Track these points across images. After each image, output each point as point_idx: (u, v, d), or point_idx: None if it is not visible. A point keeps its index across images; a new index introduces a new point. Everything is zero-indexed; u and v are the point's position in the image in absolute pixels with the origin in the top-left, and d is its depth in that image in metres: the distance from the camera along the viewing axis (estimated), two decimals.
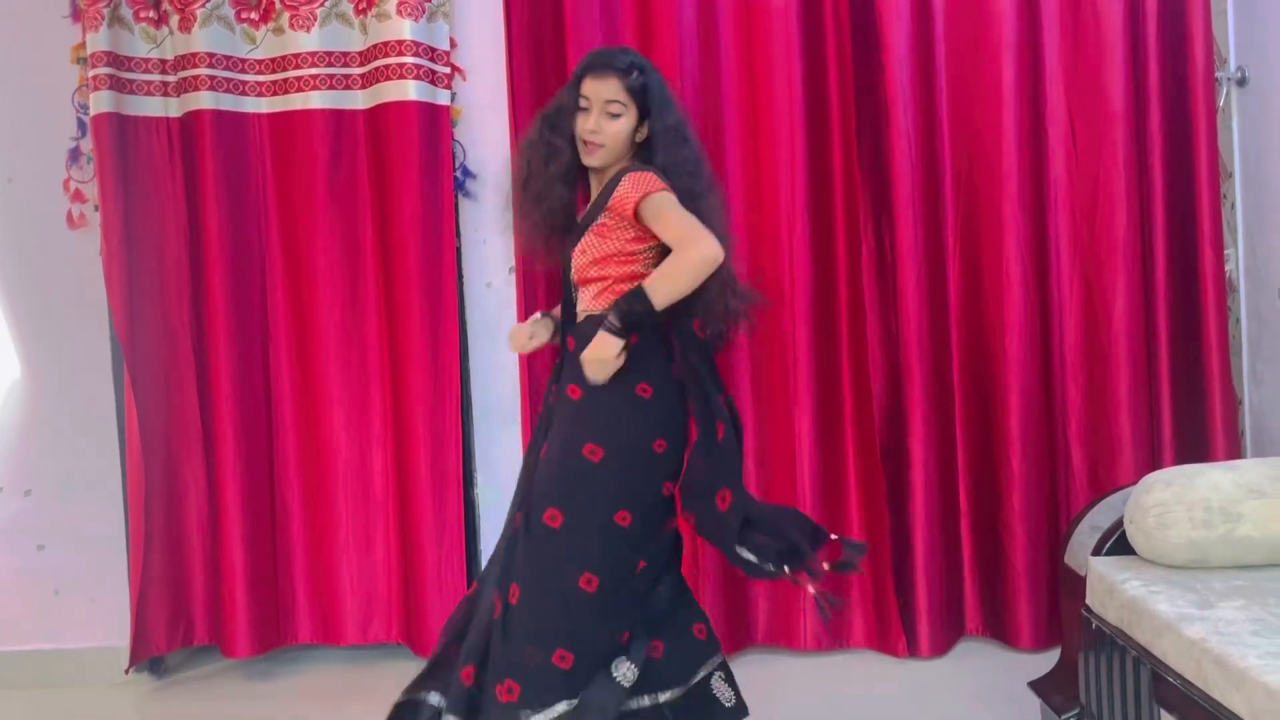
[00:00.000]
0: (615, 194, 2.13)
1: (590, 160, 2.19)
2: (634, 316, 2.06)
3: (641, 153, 2.22)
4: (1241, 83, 2.92)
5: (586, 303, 2.20)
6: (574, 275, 2.21)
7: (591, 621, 2.08)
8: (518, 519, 2.17)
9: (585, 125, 2.16)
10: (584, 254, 2.19)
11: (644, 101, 2.18)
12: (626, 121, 2.18)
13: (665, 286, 2.06)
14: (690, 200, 2.14)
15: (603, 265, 2.17)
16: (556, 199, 2.23)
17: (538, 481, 2.16)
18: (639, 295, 2.07)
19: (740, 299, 2.24)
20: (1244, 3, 2.91)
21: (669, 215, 2.10)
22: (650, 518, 2.13)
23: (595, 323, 2.12)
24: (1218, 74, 2.91)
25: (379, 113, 2.95)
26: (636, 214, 2.10)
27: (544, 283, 2.98)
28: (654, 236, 2.14)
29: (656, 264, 2.14)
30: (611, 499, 2.09)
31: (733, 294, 2.20)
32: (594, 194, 2.25)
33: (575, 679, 2.06)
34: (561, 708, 2.05)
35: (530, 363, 2.98)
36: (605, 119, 2.16)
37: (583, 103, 2.17)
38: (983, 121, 2.93)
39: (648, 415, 2.13)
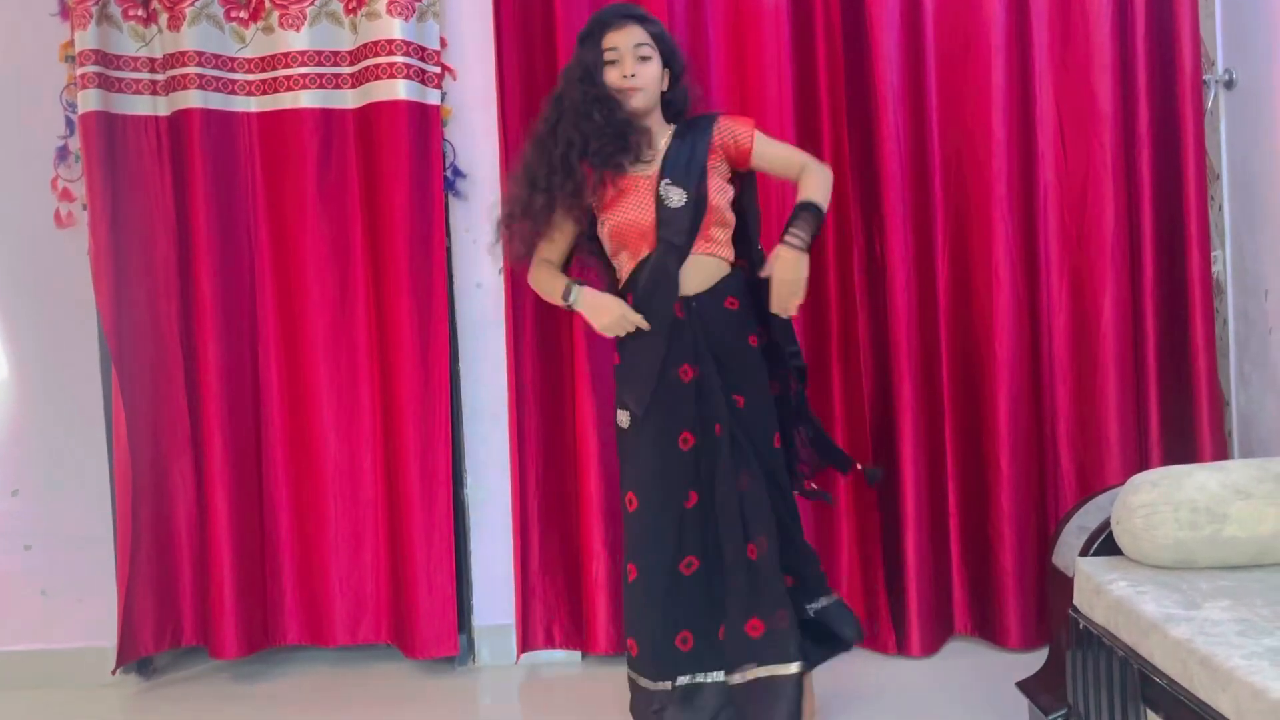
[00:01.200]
0: (720, 133, 2.37)
1: (635, 101, 2.32)
2: (815, 224, 2.29)
3: (666, 99, 2.41)
4: (1229, 85, 2.94)
5: (714, 248, 2.36)
6: (712, 218, 2.33)
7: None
8: (693, 497, 2.33)
9: (622, 72, 2.31)
10: (722, 193, 2.36)
11: (665, 47, 2.38)
12: (656, 65, 2.36)
13: (825, 200, 2.33)
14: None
15: (727, 210, 2.37)
16: (621, 144, 2.31)
17: (756, 434, 2.35)
18: (815, 210, 2.30)
19: None
20: (1232, 5, 2.92)
21: (777, 146, 2.45)
22: None
23: (730, 281, 2.36)
24: (1205, 76, 2.93)
25: (369, 112, 2.95)
26: (750, 148, 2.37)
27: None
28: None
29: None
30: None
31: None
32: (653, 140, 2.36)
33: None
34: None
35: (518, 364, 2.97)
36: (638, 63, 2.32)
37: (610, 55, 2.32)
38: (972, 123, 2.94)
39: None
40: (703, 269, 2.35)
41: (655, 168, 2.36)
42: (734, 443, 2.32)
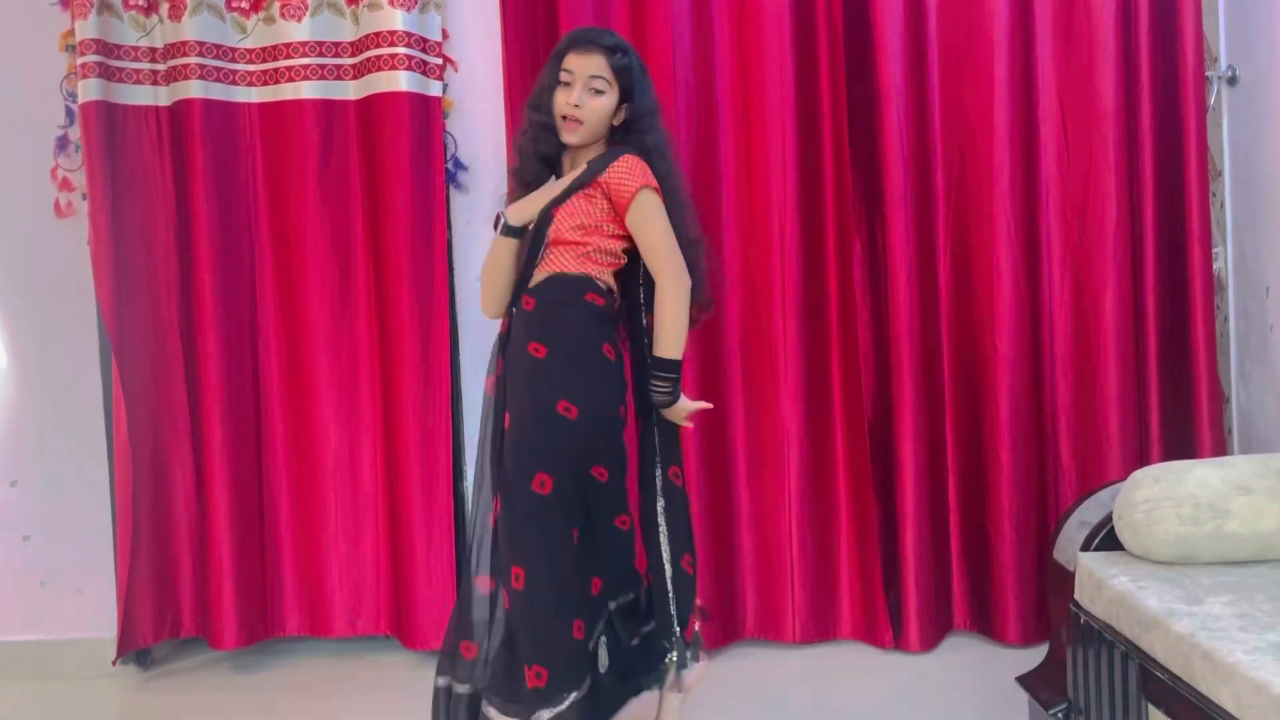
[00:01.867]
0: (611, 173, 2.15)
1: (569, 137, 2.19)
2: (674, 380, 2.20)
3: (614, 136, 2.24)
4: (1232, 81, 2.93)
5: (559, 264, 2.20)
6: (551, 234, 2.18)
7: (583, 582, 2.17)
8: (497, 502, 2.17)
9: (567, 99, 2.17)
10: (570, 216, 2.18)
11: (626, 82, 2.20)
12: (609, 99, 2.20)
13: (675, 340, 2.19)
14: (664, 180, 2.20)
15: (587, 232, 2.19)
16: (535, 178, 2.25)
17: (511, 449, 2.15)
18: (667, 364, 2.19)
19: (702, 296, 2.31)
20: (1235, 2, 2.92)
21: (656, 223, 2.18)
22: (621, 474, 2.24)
23: (559, 281, 2.18)
24: (1208, 72, 2.92)
25: (370, 103, 2.94)
26: (628, 203, 2.14)
27: None
28: (626, 238, 2.20)
29: (629, 249, 2.23)
30: (589, 455, 2.16)
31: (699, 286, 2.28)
32: (569, 170, 2.25)
33: (586, 649, 2.14)
34: (573, 697, 2.08)
35: None
36: (588, 94, 2.17)
37: (564, 77, 2.18)
38: (974, 118, 2.94)
39: (616, 376, 2.23)
40: (536, 279, 2.23)
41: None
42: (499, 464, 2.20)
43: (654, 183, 2.17)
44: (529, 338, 2.18)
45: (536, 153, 2.24)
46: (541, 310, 2.19)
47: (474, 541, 2.26)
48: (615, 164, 2.16)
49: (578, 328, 2.19)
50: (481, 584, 2.22)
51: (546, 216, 2.19)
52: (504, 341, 2.27)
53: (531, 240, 2.21)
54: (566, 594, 2.12)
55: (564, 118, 2.18)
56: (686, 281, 2.19)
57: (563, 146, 2.23)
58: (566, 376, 2.15)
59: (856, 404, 2.97)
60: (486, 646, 2.19)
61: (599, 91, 2.18)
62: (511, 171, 2.35)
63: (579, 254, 2.19)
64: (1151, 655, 1.73)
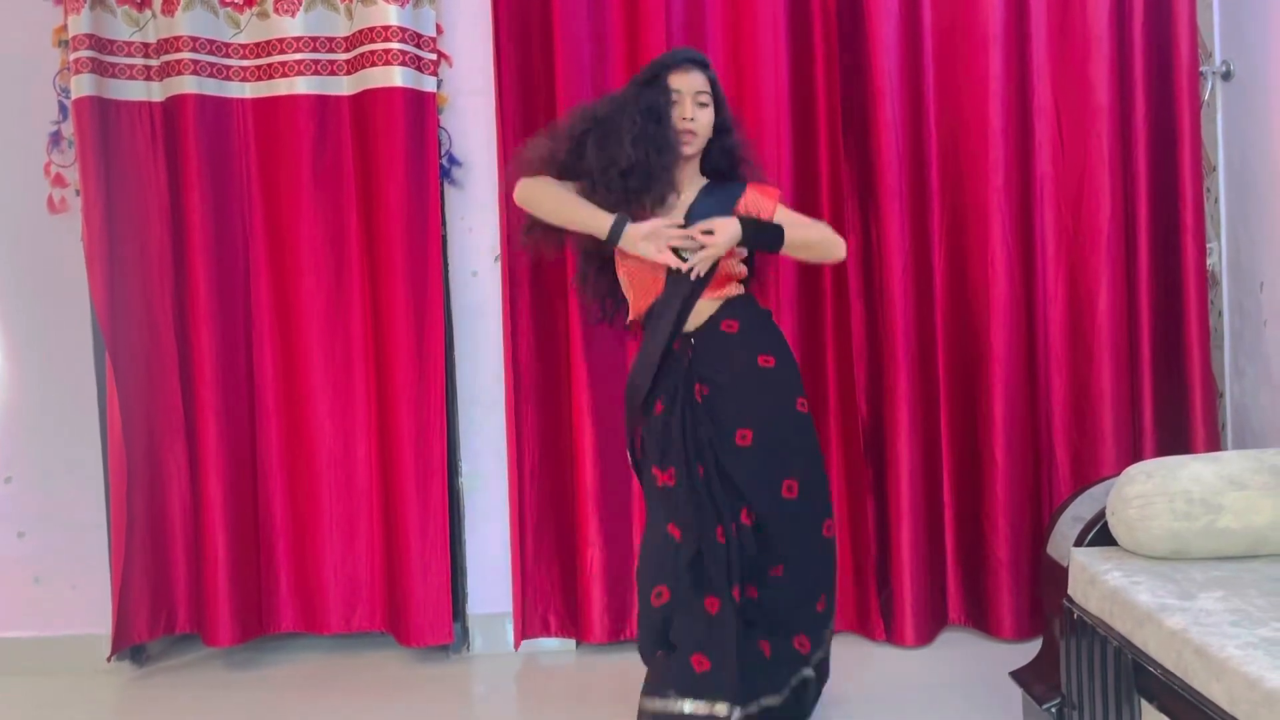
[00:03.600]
0: (743, 201, 2.37)
1: (689, 149, 2.35)
2: (765, 235, 2.32)
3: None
4: (1226, 76, 2.94)
5: (720, 295, 2.36)
6: (722, 275, 2.35)
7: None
8: (727, 528, 2.24)
9: (682, 114, 2.32)
10: (734, 255, 2.36)
11: (719, 94, 2.40)
12: (711, 112, 2.37)
13: (803, 240, 2.38)
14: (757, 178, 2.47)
15: (737, 265, 2.39)
16: (667, 186, 2.33)
17: (760, 476, 2.28)
18: (777, 229, 2.33)
19: None
20: None
21: (795, 216, 2.44)
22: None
23: (732, 305, 2.36)
24: (1202, 68, 2.93)
25: (364, 99, 2.93)
26: (769, 218, 2.37)
27: (529, 271, 2.98)
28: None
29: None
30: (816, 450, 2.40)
31: None
32: (684, 188, 2.38)
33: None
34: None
35: (515, 352, 2.97)
36: (698, 109, 2.34)
37: (673, 96, 2.32)
38: (969, 114, 2.94)
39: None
40: (703, 309, 2.35)
41: (679, 218, 2.33)
42: (722, 485, 2.26)
43: (777, 195, 2.45)
44: (756, 350, 2.34)
45: (666, 162, 2.30)
46: (751, 328, 2.37)
47: (682, 565, 2.24)
48: (744, 193, 2.39)
49: (780, 338, 2.43)
50: (710, 605, 2.22)
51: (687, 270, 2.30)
52: (685, 371, 2.32)
53: (693, 287, 2.32)
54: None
55: (681, 132, 2.32)
56: (844, 250, 2.47)
57: (671, 174, 2.33)
58: (797, 379, 2.39)
59: (851, 398, 2.98)
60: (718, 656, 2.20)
61: (704, 105, 2.35)
62: (618, 183, 2.30)
63: (735, 282, 2.40)
64: (1144, 650, 1.74)
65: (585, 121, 2.37)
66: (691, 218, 2.32)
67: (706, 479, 2.27)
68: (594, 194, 2.31)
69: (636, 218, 2.28)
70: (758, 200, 2.40)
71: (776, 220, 2.37)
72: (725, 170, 2.45)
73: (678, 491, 2.27)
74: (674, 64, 2.35)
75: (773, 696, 2.29)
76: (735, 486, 2.27)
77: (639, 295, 2.40)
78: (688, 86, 2.33)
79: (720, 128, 2.40)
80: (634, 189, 2.28)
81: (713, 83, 2.38)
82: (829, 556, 2.40)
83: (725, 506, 2.26)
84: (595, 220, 2.30)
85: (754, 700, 2.24)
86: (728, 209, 2.35)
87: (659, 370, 2.34)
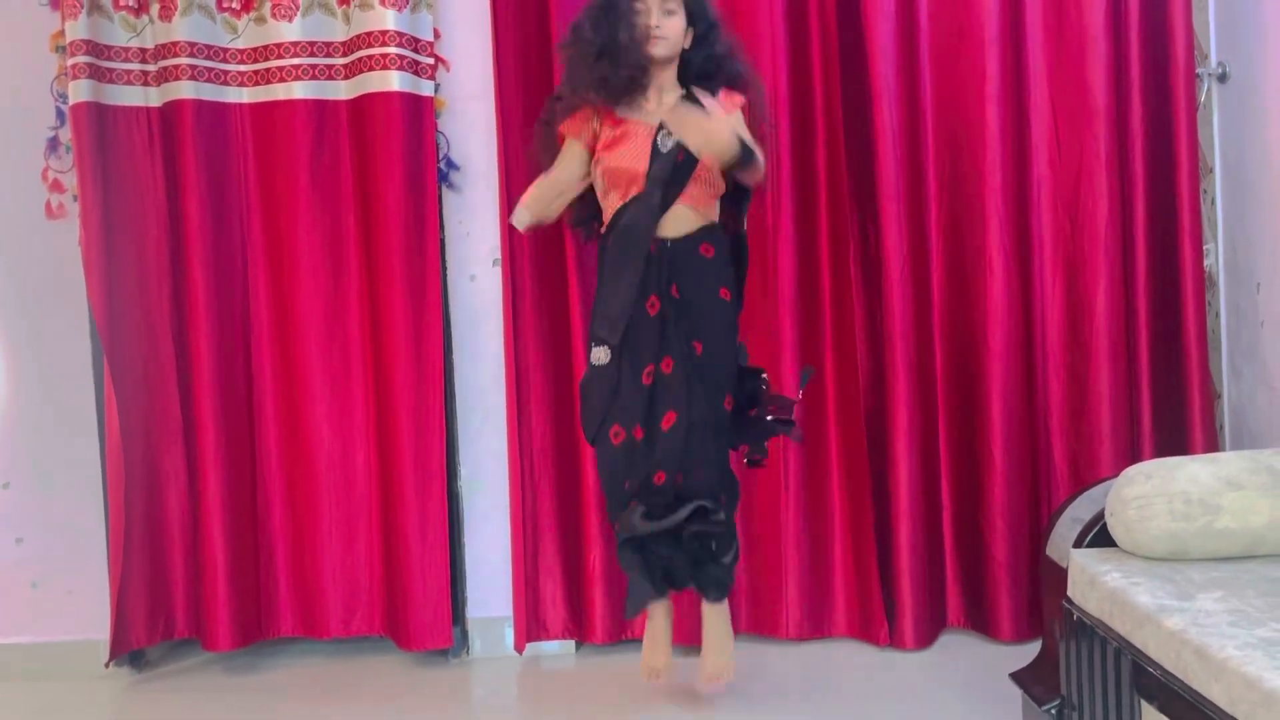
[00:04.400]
0: (722, 108, 2.44)
1: (657, 50, 2.42)
2: (750, 154, 2.38)
3: (685, 54, 2.50)
4: (1222, 78, 2.94)
5: (697, 203, 2.46)
6: (701, 173, 2.42)
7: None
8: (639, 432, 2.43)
9: (646, 23, 2.40)
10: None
11: (690, 3, 2.46)
12: (680, 19, 2.45)
13: (757, 168, 2.45)
14: (742, 82, 2.55)
15: (716, 171, 2.46)
16: (638, 90, 2.44)
17: (707, 384, 2.43)
18: (754, 153, 2.40)
19: None
20: None
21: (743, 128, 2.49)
22: None
23: (712, 231, 2.48)
24: (1199, 69, 2.93)
25: (362, 104, 2.94)
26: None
27: (529, 275, 2.98)
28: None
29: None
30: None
31: None
32: (655, 97, 2.47)
33: None
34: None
35: (518, 354, 2.97)
36: (663, 15, 2.42)
37: (638, 6, 2.39)
38: (966, 116, 2.94)
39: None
40: (683, 217, 2.46)
41: (656, 119, 2.45)
42: (686, 380, 2.41)
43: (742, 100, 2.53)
44: (720, 283, 2.48)
45: (626, 76, 2.39)
46: (721, 256, 2.49)
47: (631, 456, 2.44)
48: (720, 96, 2.47)
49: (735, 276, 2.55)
50: (659, 478, 2.41)
51: (691, 157, 2.40)
52: (660, 274, 2.44)
53: (674, 173, 2.42)
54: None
55: (645, 37, 2.40)
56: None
57: (644, 70, 2.42)
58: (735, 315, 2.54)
59: (851, 401, 2.98)
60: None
61: (671, 12, 2.43)
62: (589, 48, 2.41)
63: (710, 195, 2.49)
64: (1144, 651, 1.74)
65: (567, 43, 2.49)
66: (664, 128, 2.43)
67: (670, 374, 2.42)
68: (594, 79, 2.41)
69: (617, 124, 2.45)
70: (717, 106, 2.47)
71: (733, 124, 2.44)
72: (711, 77, 2.53)
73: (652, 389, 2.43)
74: None
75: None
76: (675, 389, 2.42)
77: (619, 195, 2.47)
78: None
79: (698, 37, 2.48)
80: (609, 98, 2.42)
81: None
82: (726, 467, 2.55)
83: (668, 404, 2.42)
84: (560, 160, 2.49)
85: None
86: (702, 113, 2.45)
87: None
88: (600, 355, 2.47)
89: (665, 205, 2.42)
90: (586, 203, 2.60)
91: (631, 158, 2.44)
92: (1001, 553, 2.93)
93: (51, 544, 3.08)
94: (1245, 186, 2.87)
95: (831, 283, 2.99)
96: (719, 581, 2.54)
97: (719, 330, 2.48)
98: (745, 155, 2.37)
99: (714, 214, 2.51)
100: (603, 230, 2.54)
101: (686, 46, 2.49)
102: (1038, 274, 2.96)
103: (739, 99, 2.53)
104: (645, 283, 2.42)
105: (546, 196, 2.52)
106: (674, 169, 2.41)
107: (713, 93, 2.50)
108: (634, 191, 2.44)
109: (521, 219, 2.53)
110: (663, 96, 2.49)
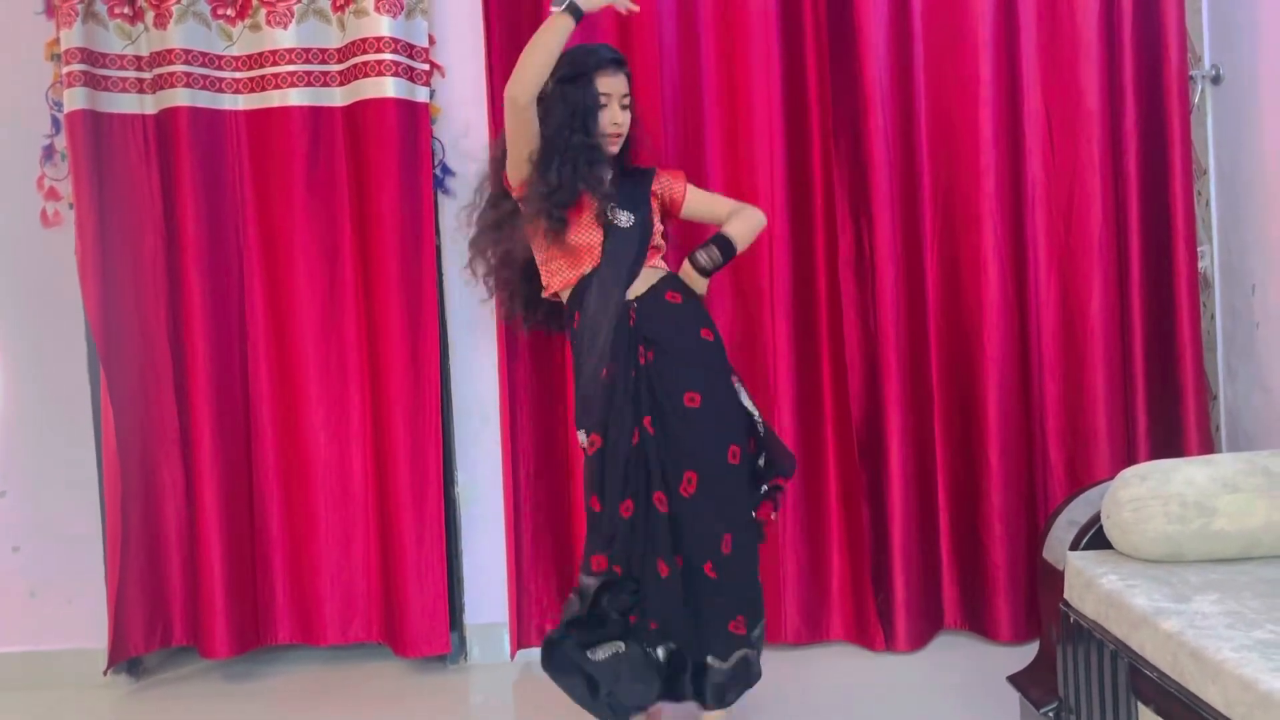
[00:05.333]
0: (657, 183, 2.52)
1: (613, 149, 2.44)
2: (724, 256, 2.45)
3: None
4: (1216, 80, 2.95)
5: (654, 261, 2.47)
6: (653, 239, 2.46)
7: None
8: (658, 497, 2.31)
9: (611, 119, 2.41)
10: (659, 220, 2.51)
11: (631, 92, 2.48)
12: (629, 114, 2.46)
13: (743, 239, 2.49)
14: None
15: (660, 236, 2.51)
16: (598, 185, 2.39)
17: (697, 427, 2.33)
18: (725, 240, 2.46)
19: None
20: (1218, 1, 2.94)
21: (706, 195, 2.61)
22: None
23: (672, 279, 2.44)
24: (1192, 72, 2.94)
25: (357, 110, 2.94)
26: (682, 200, 2.54)
27: None
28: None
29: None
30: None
31: None
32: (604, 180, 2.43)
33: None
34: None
35: (511, 361, 2.97)
36: (621, 111, 2.43)
37: (601, 99, 2.39)
38: (960, 120, 2.95)
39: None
40: (644, 278, 2.43)
41: (600, 192, 2.41)
42: (666, 449, 2.32)
43: (683, 178, 2.58)
44: (699, 323, 2.43)
45: (591, 174, 2.37)
46: (691, 302, 2.45)
47: (614, 534, 2.33)
48: (656, 177, 2.52)
49: (709, 316, 2.51)
50: (662, 568, 2.32)
51: (649, 219, 2.47)
52: (630, 333, 2.37)
53: (639, 236, 2.43)
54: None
55: (608, 135, 2.41)
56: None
57: (603, 173, 2.42)
58: (725, 355, 2.48)
59: (845, 404, 2.98)
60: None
61: (626, 107, 2.44)
62: (541, 179, 2.37)
63: (657, 251, 2.50)
64: (1140, 653, 1.74)
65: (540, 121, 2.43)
66: (615, 197, 2.42)
67: (642, 442, 2.32)
68: (542, 207, 2.37)
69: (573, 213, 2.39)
70: (669, 184, 2.54)
71: (688, 202, 2.55)
72: (625, 155, 2.53)
73: (604, 458, 2.34)
74: (600, 65, 2.40)
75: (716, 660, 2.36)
76: (681, 448, 2.32)
77: (568, 265, 2.43)
78: (615, 89, 2.41)
79: (634, 120, 2.50)
80: (558, 203, 2.36)
81: (629, 80, 2.45)
82: (754, 543, 2.44)
83: (668, 470, 2.32)
84: (548, 24, 2.34)
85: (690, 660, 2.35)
86: (643, 196, 2.48)
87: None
88: (582, 440, 2.43)
89: (632, 275, 2.40)
90: (524, 298, 2.62)
91: (586, 233, 2.40)
92: (998, 555, 2.93)
93: (49, 552, 3.07)
94: (1239, 188, 2.88)
95: (825, 287, 2.99)
96: (734, 684, 2.40)
97: (711, 373, 2.40)
98: (727, 257, 2.46)
99: (664, 265, 2.49)
100: (549, 297, 2.50)
101: None
102: (1032, 276, 2.96)
103: (679, 175, 2.58)
104: (614, 353, 2.35)
105: (536, 76, 2.33)
106: (639, 238, 2.42)
107: (642, 170, 2.53)
108: (589, 262, 2.40)
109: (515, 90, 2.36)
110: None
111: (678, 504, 2.31)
